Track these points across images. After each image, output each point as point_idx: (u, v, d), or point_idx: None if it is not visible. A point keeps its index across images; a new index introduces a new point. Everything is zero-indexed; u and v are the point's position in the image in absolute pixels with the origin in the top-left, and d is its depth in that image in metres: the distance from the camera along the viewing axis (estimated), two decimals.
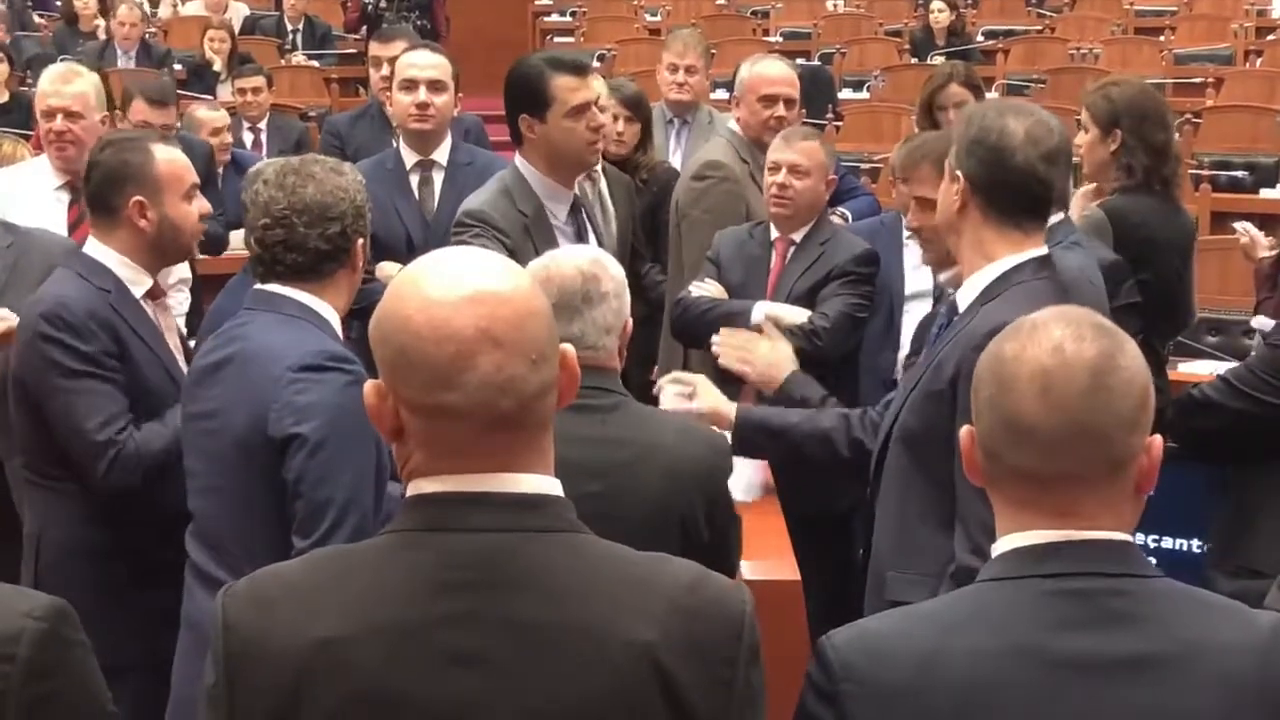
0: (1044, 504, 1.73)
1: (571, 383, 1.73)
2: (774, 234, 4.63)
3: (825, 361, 4.26)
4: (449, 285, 1.65)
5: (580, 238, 4.16)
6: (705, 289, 4.58)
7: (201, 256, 5.16)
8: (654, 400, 3.53)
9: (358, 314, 3.22)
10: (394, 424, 1.68)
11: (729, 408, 3.47)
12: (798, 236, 4.60)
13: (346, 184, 3.04)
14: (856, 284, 4.49)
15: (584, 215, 4.28)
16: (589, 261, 2.87)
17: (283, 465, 2.82)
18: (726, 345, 3.78)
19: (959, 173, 2.87)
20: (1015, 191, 2.86)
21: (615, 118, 5.53)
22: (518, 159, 4.19)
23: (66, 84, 4.67)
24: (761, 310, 4.42)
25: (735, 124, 5.33)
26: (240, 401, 2.91)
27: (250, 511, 2.89)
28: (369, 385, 1.69)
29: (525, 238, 3.99)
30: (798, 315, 4.41)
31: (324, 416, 2.81)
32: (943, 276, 3.44)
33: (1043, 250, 2.90)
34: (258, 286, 3.05)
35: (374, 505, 2.85)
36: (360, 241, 3.06)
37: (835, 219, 5.36)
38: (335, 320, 3.04)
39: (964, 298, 2.91)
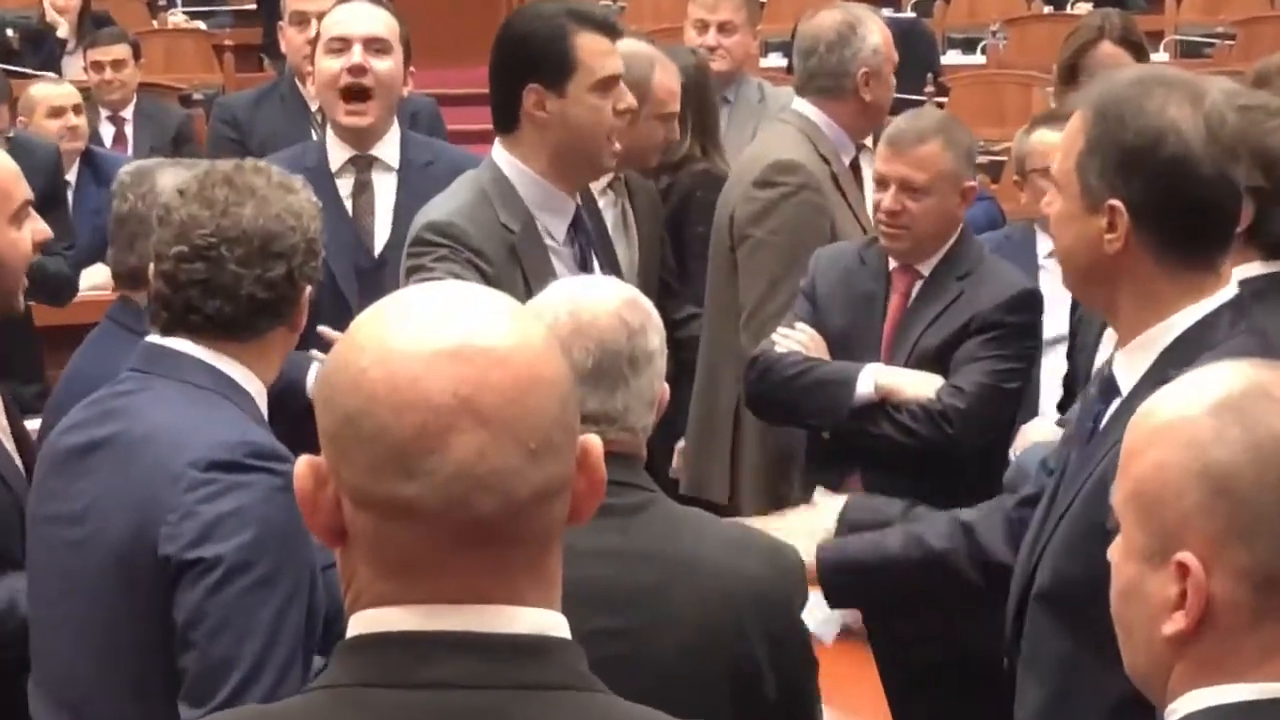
0: None
1: (593, 490, 1.73)
2: (893, 262, 4.58)
3: (958, 453, 4.24)
4: (424, 332, 1.65)
5: (584, 266, 4.11)
6: (796, 339, 4.53)
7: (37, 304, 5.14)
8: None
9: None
10: (332, 521, 1.68)
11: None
12: (925, 268, 4.54)
13: (299, 206, 3.03)
14: (1007, 341, 4.41)
15: (589, 234, 4.22)
16: (624, 303, 2.86)
17: (174, 599, 2.81)
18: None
19: (1113, 201, 2.77)
20: (1205, 216, 2.79)
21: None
22: (499, 152, 4.14)
23: None
24: (871, 379, 4.38)
25: (807, 106, 5.16)
26: (119, 503, 2.91)
27: (123, 661, 2.89)
28: (303, 462, 1.69)
29: (512, 264, 3.97)
30: (924, 387, 4.35)
31: (239, 537, 2.80)
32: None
33: (1233, 290, 2.83)
34: (154, 340, 3.04)
35: (301, 673, 2.80)
36: (308, 290, 3.05)
37: None
38: (261, 396, 3.03)
39: (1127, 373, 2.85)
